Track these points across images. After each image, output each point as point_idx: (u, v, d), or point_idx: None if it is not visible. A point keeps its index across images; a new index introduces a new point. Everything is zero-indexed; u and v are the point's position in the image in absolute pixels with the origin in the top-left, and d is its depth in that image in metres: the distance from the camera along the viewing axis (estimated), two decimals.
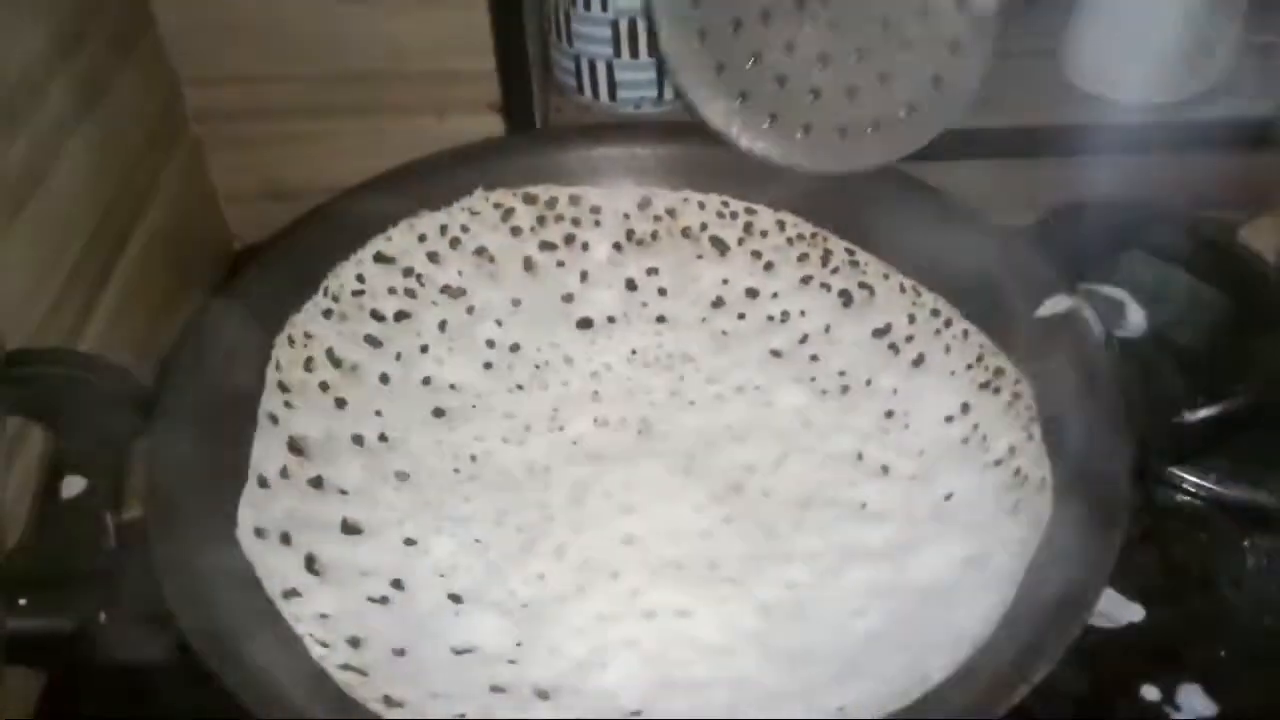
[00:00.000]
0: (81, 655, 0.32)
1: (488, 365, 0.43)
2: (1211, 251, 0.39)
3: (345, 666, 0.32)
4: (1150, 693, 0.40)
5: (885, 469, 0.38)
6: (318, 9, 0.52)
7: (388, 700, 0.31)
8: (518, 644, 0.34)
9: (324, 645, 0.32)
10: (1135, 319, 0.41)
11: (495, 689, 0.32)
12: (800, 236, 0.45)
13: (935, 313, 0.41)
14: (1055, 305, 0.38)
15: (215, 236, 0.61)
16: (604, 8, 0.55)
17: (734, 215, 0.45)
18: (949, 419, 0.39)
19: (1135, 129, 0.57)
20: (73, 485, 0.33)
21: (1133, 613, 0.41)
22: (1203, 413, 0.35)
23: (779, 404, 0.41)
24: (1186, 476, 0.43)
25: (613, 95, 0.58)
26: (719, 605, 0.35)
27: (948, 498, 0.37)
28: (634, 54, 0.56)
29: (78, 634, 0.31)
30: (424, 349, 0.42)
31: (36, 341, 0.41)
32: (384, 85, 0.55)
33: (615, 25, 0.55)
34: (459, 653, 0.34)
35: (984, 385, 0.39)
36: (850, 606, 0.34)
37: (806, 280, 0.44)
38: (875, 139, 0.43)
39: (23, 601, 0.31)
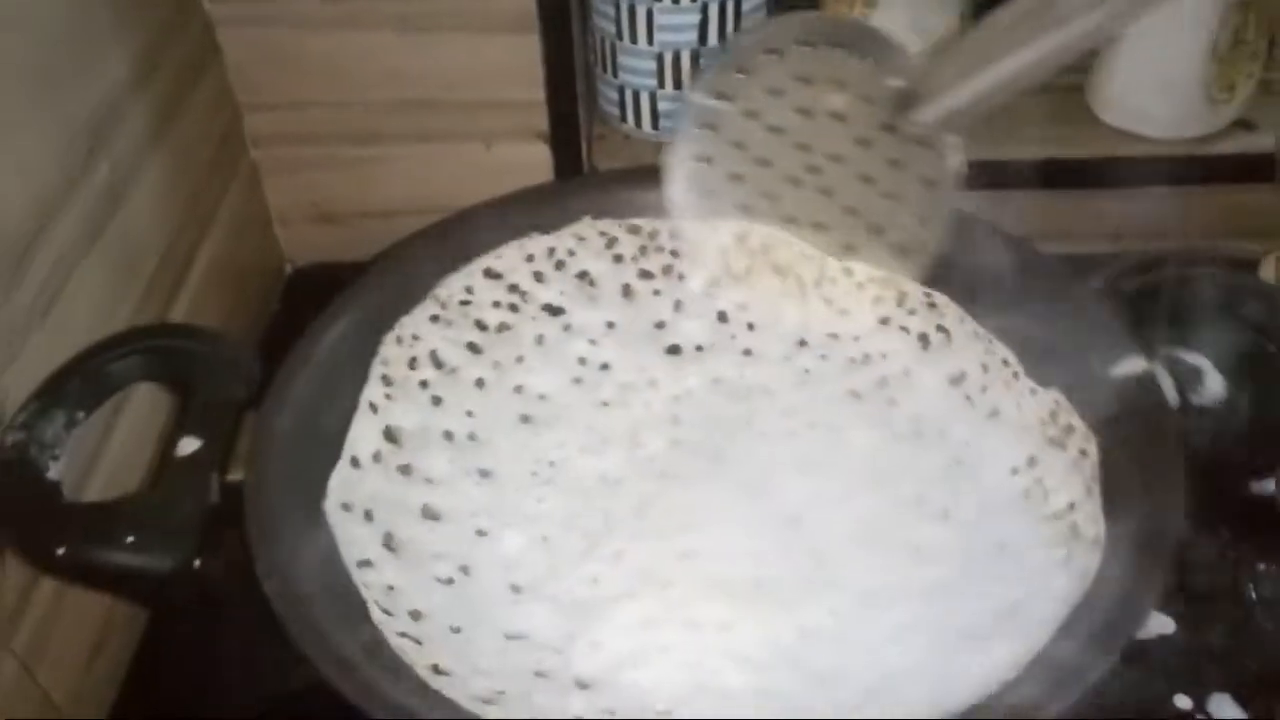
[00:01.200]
0: (176, 596, 0.36)
1: (577, 380, 0.45)
2: None
3: (403, 634, 0.34)
4: (1182, 702, 0.40)
5: (945, 514, 0.39)
6: (372, 40, 0.56)
7: (435, 669, 0.33)
8: (565, 636, 0.36)
9: (387, 613, 0.35)
10: (1214, 388, 0.40)
11: (538, 674, 0.34)
12: (871, 280, 0.45)
13: (1005, 363, 0.42)
14: (1131, 366, 0.38)
15: (270, 258, 0.64)
16: (649, 41, 0.58)
17: (812, 258, 0.46)
18: (1014, 470, 0.39)
19: (1159, 162, 0.60)
20: (187, 445, 0.37)
21: (1163, 625, 0.41)
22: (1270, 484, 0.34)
23: (851, 443, 0.42)
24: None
25: (655, 125, 0.61)
26: (760, 622, 0.36)
27: (1001, 547, 0.37)
28: (677, 85, 0.59)
29: (174, 575, 0.34)
30: (519, 359, 0.45)
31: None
32: (434, 114, 0.58)
33: (660, 58, 0.58)
34: (510, 638, 0.36)
35: (1052, 440, 0.39)
36: (887, 637, 0.35)
37: (885, 321, 0.45)
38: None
39: (130, 539, 0.34)
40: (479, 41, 0.56)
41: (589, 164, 0.61)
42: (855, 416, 0.43)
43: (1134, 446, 0.36)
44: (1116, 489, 0.36)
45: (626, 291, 0.47)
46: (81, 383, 0.39)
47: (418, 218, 0.48)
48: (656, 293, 0.47)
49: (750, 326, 0.46)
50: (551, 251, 0.47)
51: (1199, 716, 0.41)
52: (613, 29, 0.59)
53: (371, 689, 0.31)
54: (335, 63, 0.57)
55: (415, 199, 0.50)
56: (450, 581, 0.37)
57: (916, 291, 0.45)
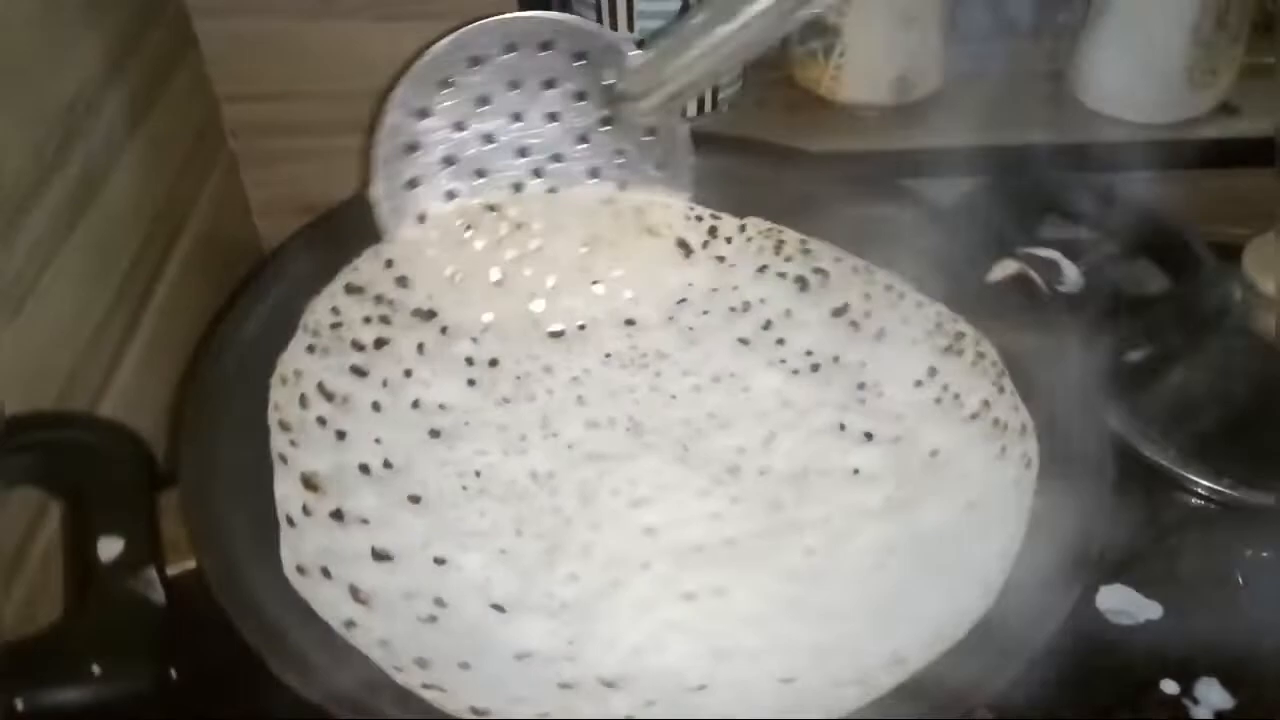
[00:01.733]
0: (150, 715, 0.31)
1: (471, 382, 0.44)
2: (1119, 210, 0.43)
3: (426, 685, 0.32)
4: (1169, 686, 0.43)
5: (869, 435, 0.42)
6: (348, 30, 0.55)
7: (474, 710, 0.32)
8: (570, 642, 0.36)
9: (398, 669, 0.33)
10: (1072, 275, 0.45)
11: (564, 686, 0.34)
12: (761, 232, 0.47)
13: (889, 288, 0.45)
14: (1003, 269, 0.42)
15: (248, 247, 0.63)
16: (630, 27, 0.57)
17: (699, 218, 0.47)
18: (919, 383, 0.42)
19: (1141, 147, 0.61)
20: (109, 547, 0.33)
21: (1151, 610, 0.45)
22: (1140, 353, 0.39)
23: (756, 388, 0.44)
24: (1201, 481, 0.47)
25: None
26: (749, 578, 0.37)
27: (934, 454, 0.40)
28: None
29: (152, 693, 0.30)
30: (408, 373, 0.43)
31: (90, 352, 0.43)
32: None
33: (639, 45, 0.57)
34: (519, 658, 0.35)
35: (947, 349, 0.42)
36: (869, 563, 0.37)
37: (762, 270, 0.47)
38: None
39: (96, 670, 0.30)
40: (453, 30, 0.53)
41: None
42: (752, 361, 0.45)
43: (1029, 338, 0.40)
44: (1026, 379, 0.40)
45: (495, 281, 0.46)
46: None
47: None
48: (526, 273, 0.46)
49: (627, 295, 0.47)
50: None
51: (1186, 700, 0.42)
52: (594, 17, 0.57)
53: None
54: (313, 53, 0.56)
55: None
56: (433, 619, 0.36)
57: (794, 239, 0.47)
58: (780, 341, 0.45)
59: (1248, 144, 0.63)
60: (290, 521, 0.36)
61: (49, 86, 0.44)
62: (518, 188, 0.46)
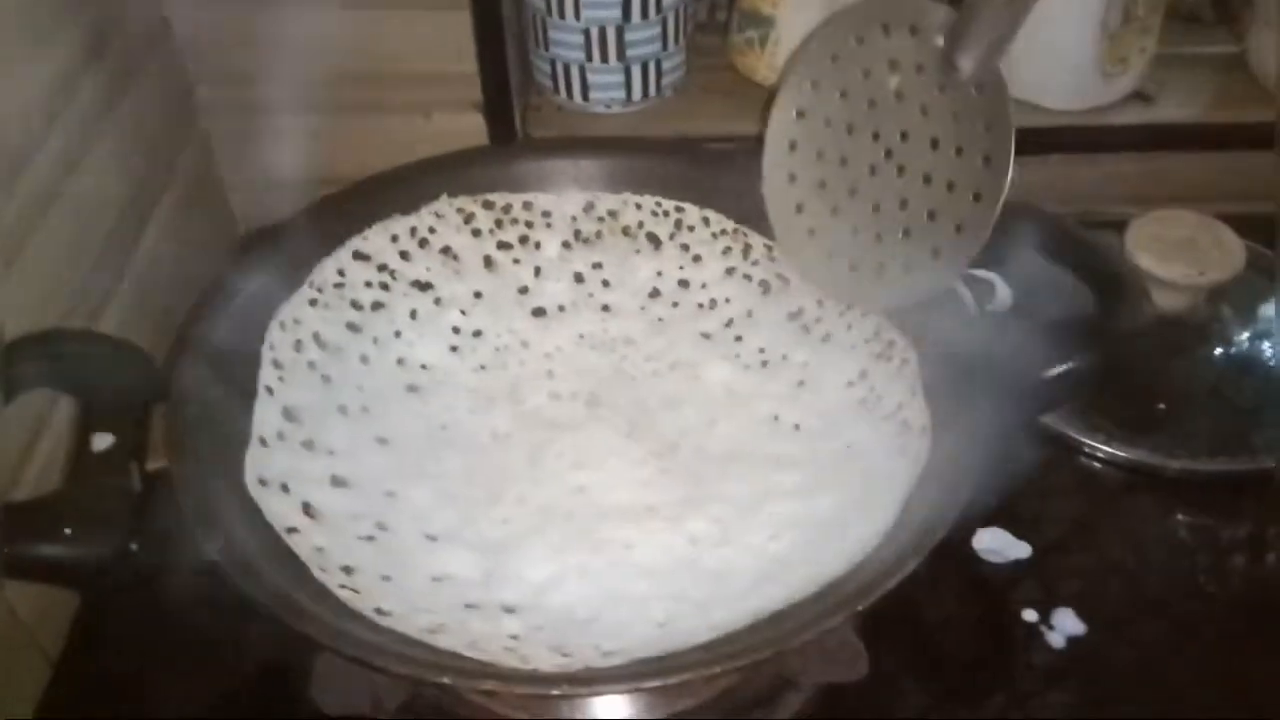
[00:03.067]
0: (111, 581, 0.37)
1: (454, 349, 0.49)
2: (1074, 245, 0.45)
3: (342, 587, 0.37)
4: (1030, 615, 0.47)
5: (797, 427, 0.45)
6: (317, 16, 0.58)
7: (379, 610, 0.37)
8: (486, 573, 0.40)
9: (322, 570, 0.38)
10: (1003, 296, 0.48)
11: (469, 606, 0.38)
12: (724, 232, 0.51)
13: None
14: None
15: (222, 221, 0.67)
16: (577, 17, 0.62)
17: (665, 213, 0.52)
18: (850, 384, 0.45)
19: (1056, 132, 0.66)
20: (101, 441, 0.39)
21: (1021, 550, 0.48)
22: (1056, 370, 0.41)
23: (708, 377, 0.48)
24: (1077, 437, 0.53)
25: (585, 96, 0.66)
26: (656, 536, 0.41)
27: (849, 447, 0.43)
28: (604, 59, 0.64)
29: (113, 560, 0.36)
30: (397, 334, 0.48)
31: (74, 307, 0.47)
32: (376, 86, 0.61)
33: (587, 33, 0.63)
34: (436, 580, 0.39)
35: (879, 355, 0.45)
36: (765, 535, 0.41)
37: (730, 271, 0.51)
38: (906, 278, 0.45)
39: (68, 531, 0.36)
40: (417, 17, 0.58)
41: (523, 132, 0.65)
42: (709, 354, 0.49)
43: (945, 350, 0.43)
44: (935, 385, 0.43)
45: (488, 263, 0.51)
46: None
47: None
48: (516, 261, 0.51)
49: (605, 284, 0.51)
50: (414, 231, 0.50)
51: (1043, 627, 0.47)
52: (543, 5, 0.62)
53: (335, 630, 0.34)
54: (282, 37, 0.59)
55: (360, 166, 0.51)
56: (371, 539, 0.40)
57: (759, 244, 0.50)
58: (738, 338, 0.49)
59: (1158, 129, 0.66)
60: (263, 442, 0.42)
61: (29, 72, 0.47)
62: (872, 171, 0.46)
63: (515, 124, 0.64)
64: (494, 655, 0.35)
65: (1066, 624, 0.47)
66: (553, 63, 0.65)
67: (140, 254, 0.55)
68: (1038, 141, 0.64)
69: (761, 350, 0.48)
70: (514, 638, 0.37)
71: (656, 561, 0.40)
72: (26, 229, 0.45)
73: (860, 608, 0.35)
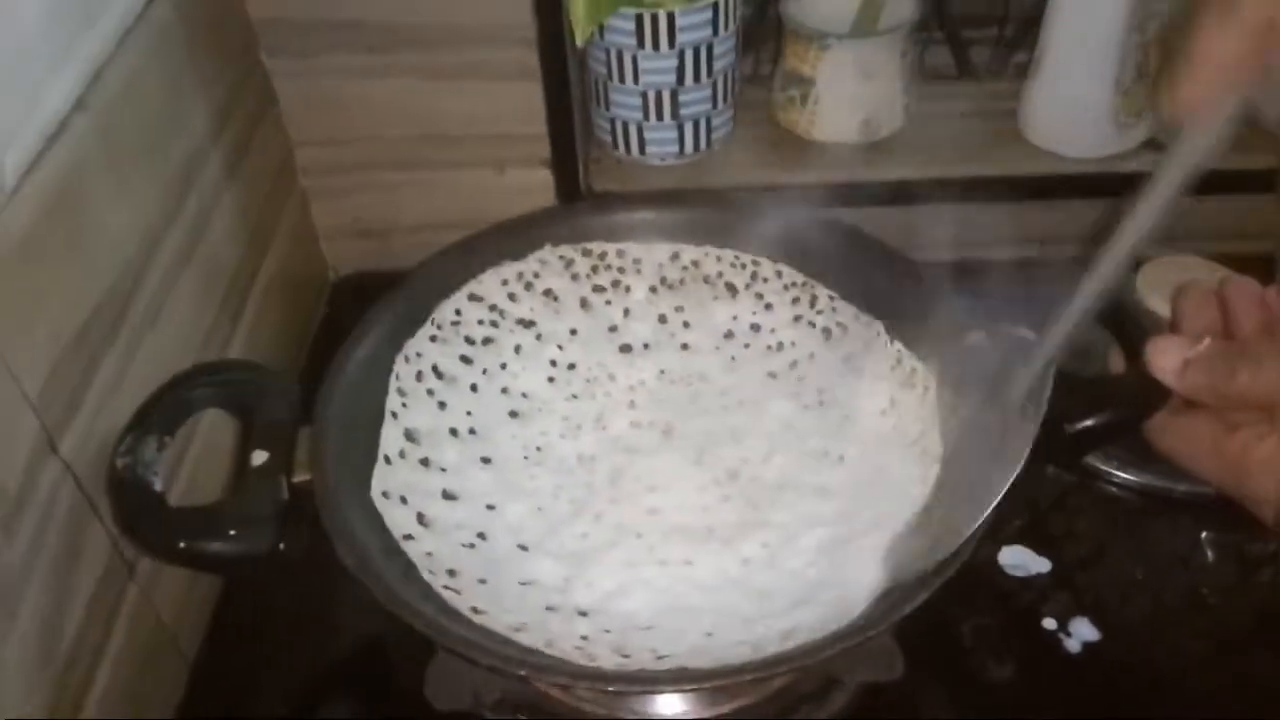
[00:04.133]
0: (260, 572, 0.46)
1: (551, 379, 0.55)
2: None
3: (446, 588, 0.45)
4: (1049, 623, 0.52)
5: (841, 459, 0.50)
6: (402, 86, 0.66)
7: (474, 610, 0.44)
8: (565, 579, 0.46)
9: (430, 572, 0.45)
10: None
11: (549, 609, 0.45)
12: (794, 284, 0.57)
13: (878, 335, 0.54)
14: (974, 339, 0.49)
15: (316, 269, 0.74)
16: (636, 81, 0.69)
17: (743, 265, 0.58)
18: (883, 412, 0.51)
19: (1076, 179, 0.71)
20: (258, 457, 0.47)
21: (1042, 565, 0.54)
22: (1080, 424, 0.45)
23: (771, 413, 0.53)
24: (1094, 464, 0.58)
25: (642, 150, 0.72)
26: (713, 557, 0.47)
27: (880, 472, 0.49)
28: (660, 117, 0.70)
29: (265, 556, 0.44)
30: (503, 366, 0.55)
31: (201, 353, 0.55)
32: (455, 145, 0.67)
33: (645, 95, 0.70)
34: (524, 584, 0.46)
35: (903, 383, 0.51)
36: (805, 560, 0.46)
37: (797, 319, 0.56)
38: None
39: (231, 532, 0.44)
40: (492, 87, 0.66)
41: (586, 185, 0.72)
42: (774, 392, 0.54)
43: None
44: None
45: (584, 304, 0.57)
46: (163, 412, 0.48)
47: (442, 232, 0.57)
48: (608, 303, 0.58)
49: (686, 325, 0.57)
50: (520, 275, 0.57)
51: (1061, 634, 0.52)
52: (604, 71, 0.70)
53: (437, 626, 0.42)
54: (370, 105, 0.67)
55: (439, 216, 0.59)
56: (472, 546, 0.48)
57: (824, 295, 0.56)
58: (800, 379, 0.54)
59: None
60: (387, 460, 0.49)
61: (170, 149, 0.54)
62: None
63: (580, 178, 0.71)
64: (566, 653, 0.42)
65: (1083, 631, 0.52)
66: (613, 121, 0.72)
67: (252, 298, 0.63)
68: (1057, 187, 0.72)
69: (820, 391, 0.53)
70: (584, 638, 0.43)
71: (711, 579, 0.46)
72: (166, 290, 0.53)
73: (882, 628, 0.41)
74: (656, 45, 0.68)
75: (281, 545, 0.44)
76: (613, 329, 0.57)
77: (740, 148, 0.75)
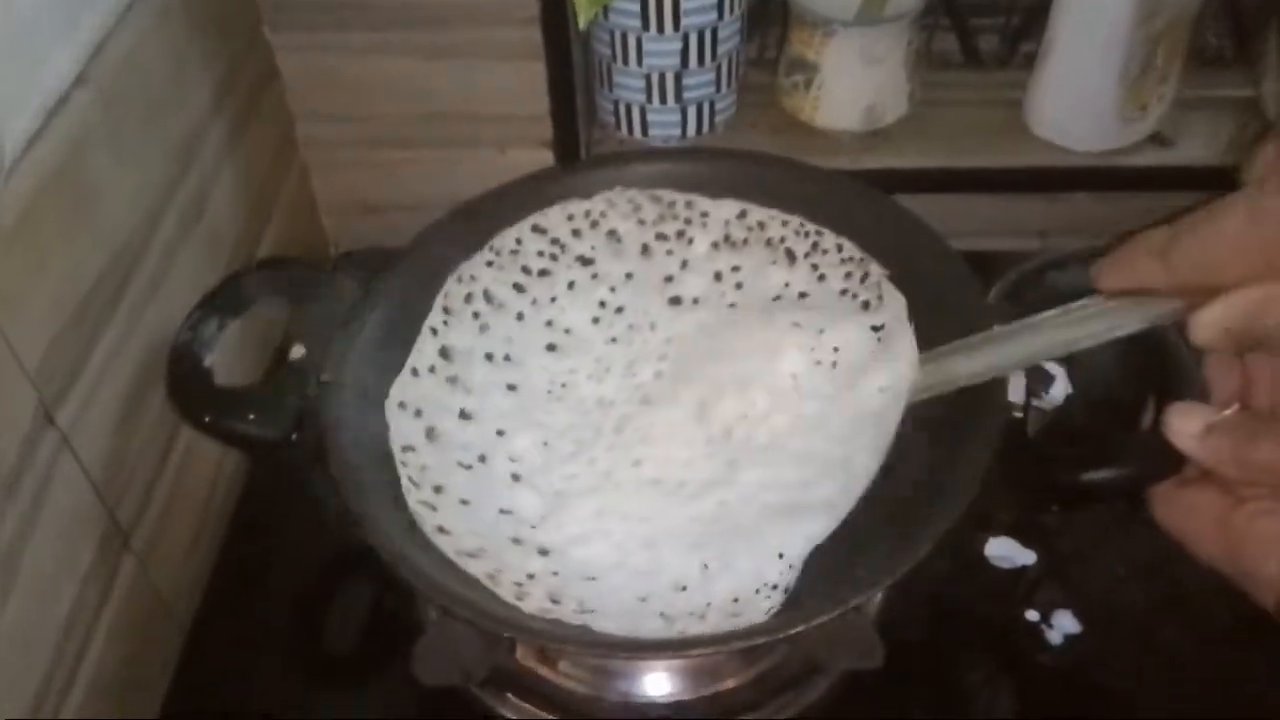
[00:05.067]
0: (279, 458, 0.50)
1: (596, 320, 0.55)
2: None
3: (422, 502, 0.46)
4: (1032, 615, 0.52)
5: (831, 428, 0.49)
6: (404, 64, 0.67)
7: (440, 529, 0.45)
8: (541, 516, 0.47)
9: (414, 484, 0.47)
10: (1057, 393, 0.49)
11: (514, 540, 0.46)
12: (851, 259, 0.55)
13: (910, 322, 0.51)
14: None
15: (317, 243, 0.76)
16: (639, 64, 0.69)
17: (806, 234, 0.56)
18: (882, 389, 0.49)
19: (1079, 172, 0.69)
20: (297, 352, 0.50)
21: (1026, 557, 0.53)
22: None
23: (782, 364, 0.51)
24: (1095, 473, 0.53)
25: (645, 132, 0.73)
26: (672, 513, 0.47)
27: (845, 461, 0.47)
28: (663, 100, 0.70)
29: (280, 442, 0.48)
30: (553, 299, 0.55)
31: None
32: (457, 124, 0.68)
33: (648, 78, 0.69)
34: (502, 512, 0.47)
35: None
36: (757, 522, 0.46)
37: (844, 292, 0.54)
38: None
39: (251, 416, 0.48)
40: (494, 65, 0.66)
41: None
42: (792, 341, 0.52)
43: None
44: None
45: (645, 249, 0.57)
46: (227, 299, 0.52)
47: (442, 210, 0.58)
48: (669, 252, 0.57)
49: (738, 285, 0.56)
50: (588, 213, 0.58)
51: (1043, 626, 0.52)
52: (609, 53, 0.70)
53: (389, 545, 0.43)
54: (372, 82, 0.68)
55: (440, 195, 0.58)
56: (469, 467, 0.49)
57: (876, 272, 0.54)
58: (821, 332, 0.52)
59: (1174, 171, 0.71)
60: (415, 372, 0.51)
61: (172, 122, 0.55)
62: None
63: (581, 159, 0.70)
64: (503, 587, 0.43)
65: (1065, 624, 0.51)
66: (616, 103, 0.72)
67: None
68: (1060, 180, 0.71)
69: (836, 350, 0.51)
70: (530, 576, 0.44)
71: (662, 537, 0.46)
72: (168, 262, 0.55)
73: (851, 604, 0.41)
74: (661, 27, 0.67)
75: (294, 436, 0.47)
76: (668, 279, 0.57)
77: (743, 132, 0.75)
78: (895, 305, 0.52)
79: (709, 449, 0.49)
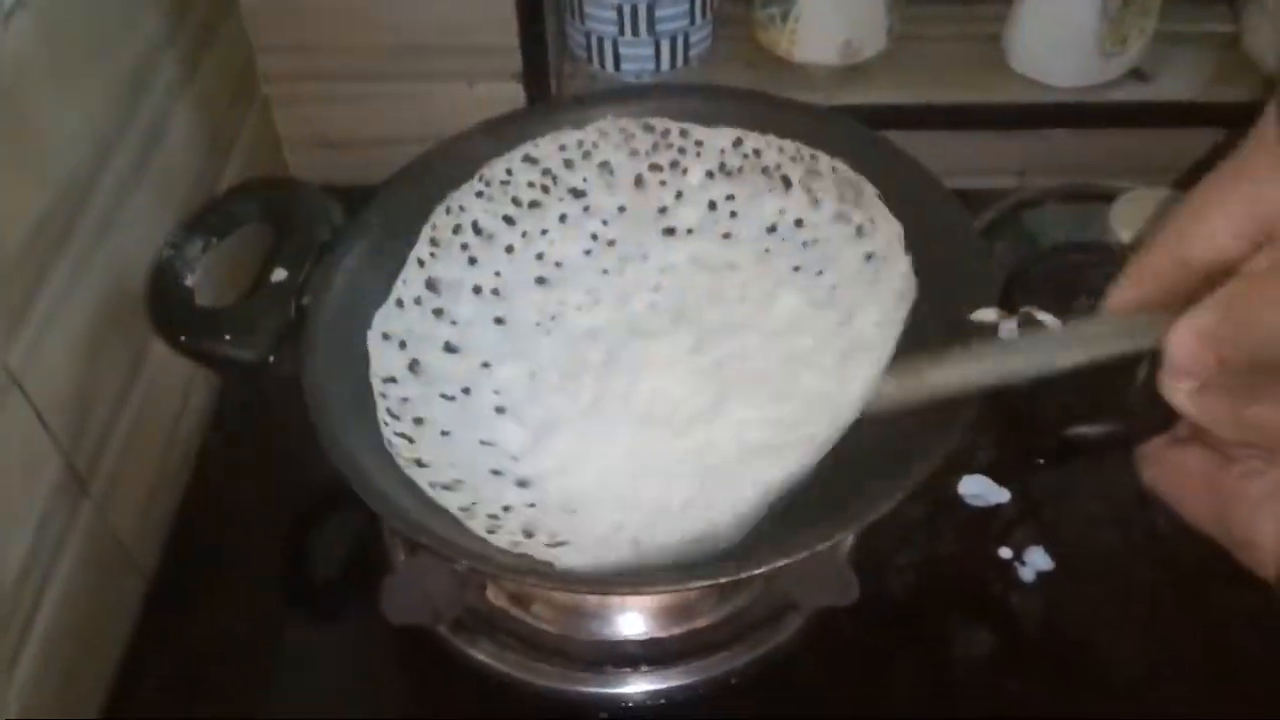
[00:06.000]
0: (256, 379, 0.48)
1: (587, 252, 0.54)
2: None
3: (399, 435, 0.45)
4: (1005, 553, 0.52)
5: (821, 364, 0.47)
6: None
7: (418, 462, 0.44)
8: (522, 448, 0.46)
9: (393, 416, 0.46)
10: None
11: (494, 472, 0.45)
12: (845, 180, 0.53)
13: (906, 251, 0.50)
14: (985, 314, 0.45)
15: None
16: None
17: (802, 159, 0.54)
18: (878, 324, 0.47)
19: (1058, 108, 0.68)
20: (279, 274, 0.49)
21: (1001, 496, 0.53)
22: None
23: (780, 306, 0.50)
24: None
25: (617, 66, 0.71)
26: (656, 448, 0.46)
27: (825, 396, 0.46)
28: (635, 32, 0.68)
29: (256, 365, 0.47)
30: (544, 232, 0.54)
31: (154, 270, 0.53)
32: (423, 56, 0.66)
33: (620, 8, 0.67)
34: (483, 443, 0.46)
35: (900, 296, 0.48)
36: (737, 462, 0.45)
37: (839, 216, 0.53)
38: None
39: (228, 337, 0.47)
40: None
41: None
42: (791, 284, 0.51)
43: None
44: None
45: (638, 181, 0.56)
46: (215, 218, 0.52)
47: (410, 146, 0.56)
48: (663, 183, 0.56)
49: (733, 214, 0.55)
50: (580, 143, 0.56)
51: (1016, 564, 0.52)
52: None
53: (362, 477, 0.42)
54: (337, 11, 0.66)
55: (407, 130, 0.58)
56: (452, 399, 0.48)
57: (869, 191, 0.52)
58: (820, 272, 0.51)
59: (1154, 106, 0.71)
60: (400, 303, 0.50)
61: (120, 52, 0.53)
62: None
63: (551, 92, 0.68)
64: (478, 524, 0.42)
65: (1038, 561, 0.51)
66: (587, 35, 0.69)
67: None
68: (1040, 116, 0.70)
69: (833, 288, 0.50)
70: (506, 509, 0.43)
71: (643, 469, 0.45)
72: (120, 200, 0.52)
73: (835, 539, 0.40)
74: None
75: (271, 359, 0.47)
76: (662, 210, 0.55)
77: (718, 67, 0.73)
78: (889, 229, 0.51)
79: (699, 383, 0.48)
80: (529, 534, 0.42)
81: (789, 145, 0.55)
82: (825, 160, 0.54)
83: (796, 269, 0.52)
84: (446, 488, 0.44)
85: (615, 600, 0.51)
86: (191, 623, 0.55)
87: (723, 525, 0.42)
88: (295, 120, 0.72)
